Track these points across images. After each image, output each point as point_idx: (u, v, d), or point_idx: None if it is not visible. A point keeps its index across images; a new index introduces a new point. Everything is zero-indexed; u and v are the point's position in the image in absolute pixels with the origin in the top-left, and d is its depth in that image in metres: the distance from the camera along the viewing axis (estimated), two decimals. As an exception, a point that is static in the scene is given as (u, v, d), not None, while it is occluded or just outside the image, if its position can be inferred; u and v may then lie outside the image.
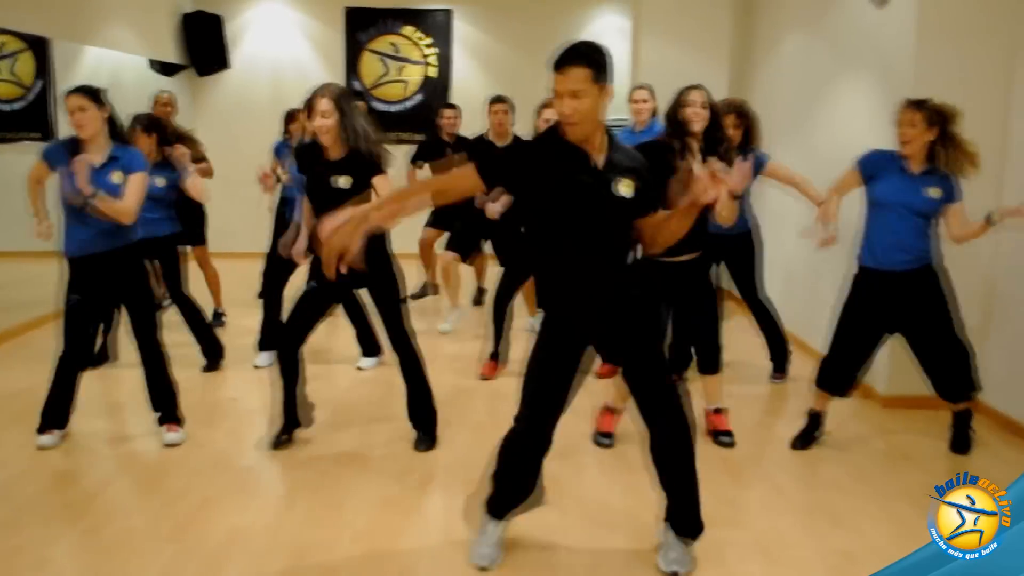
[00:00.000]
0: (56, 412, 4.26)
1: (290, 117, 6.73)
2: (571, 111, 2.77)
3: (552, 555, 3.28)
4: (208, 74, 9.93)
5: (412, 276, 6.28)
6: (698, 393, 4.41)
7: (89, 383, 5.12)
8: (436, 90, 10.11)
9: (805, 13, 6.48)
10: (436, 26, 10.09)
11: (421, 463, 4.13)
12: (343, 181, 4.01)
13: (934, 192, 4.04)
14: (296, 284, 4.59)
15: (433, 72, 10.15)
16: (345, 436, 4.46)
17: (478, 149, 6.28)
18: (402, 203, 2.93)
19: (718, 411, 4.44)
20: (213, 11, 9.78)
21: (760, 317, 5.45)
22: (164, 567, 3.13)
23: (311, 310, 4.17)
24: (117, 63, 8.72)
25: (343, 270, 2.84)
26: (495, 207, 5.39)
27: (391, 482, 3.90)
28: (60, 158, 4.09)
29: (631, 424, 4.29)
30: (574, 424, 3.97)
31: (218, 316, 6.73)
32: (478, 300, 7.66)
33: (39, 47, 7.81)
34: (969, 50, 4.80)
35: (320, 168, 4.07)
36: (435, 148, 7.11)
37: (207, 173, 6.73)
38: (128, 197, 4.08)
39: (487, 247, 6.66)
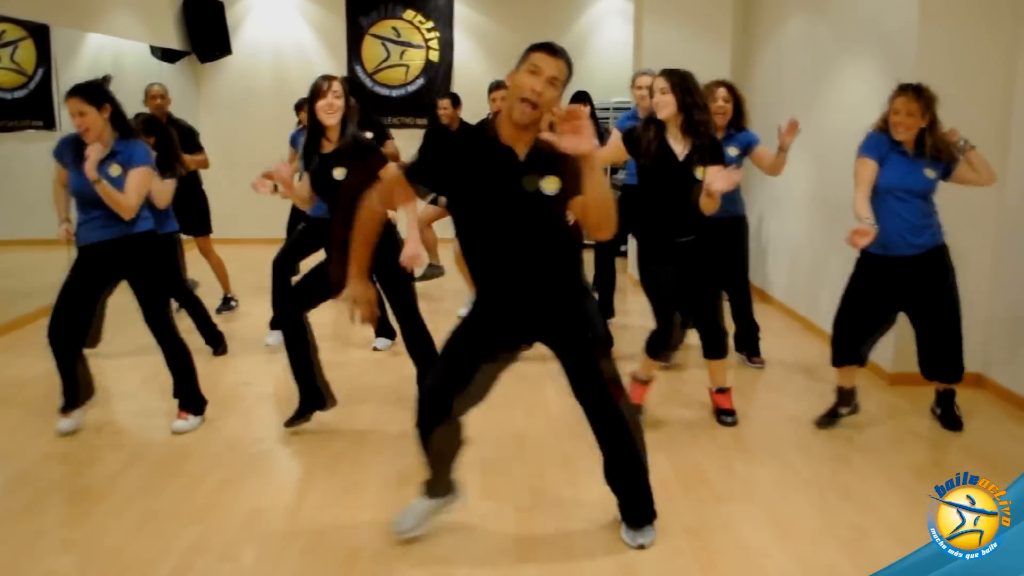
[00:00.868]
0: (66, 392, 4.30)
1: (301, 106, 6.73)
2: (543, 90, 2.76)
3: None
4: (210, 60, 9.93)
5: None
6: (699, 376, 4.47)
7: (107, 368, 5.20)
8: (438, 74, 10.12)
9: (808, -7, 6.50)
10: (437, 10, 10.09)
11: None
12: (339, 173, 4.10)
13: (930, 172, 4.08)
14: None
15: (435, 56, 10.16)
16: (361, 417, 4.51)
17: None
18: (364, 248, 3.01)
19: (721, 390, 4.48)
20: (214, -3, 9.77)
21: (740, 303, 5.41)
22: (186, 549, 3.18)
23: (321, 284, 4.20)
24: (118, 50, 8.72)
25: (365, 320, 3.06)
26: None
27: (409, 462, 3.94)
28: (66, 155, 4.16)
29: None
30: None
31: (227, 301, 6.78)
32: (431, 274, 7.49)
33: (40, 35, 7.80)
34: (971, 33, 4.82)
35: (320, 159, 4.15)
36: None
37: (203, 164, 6.76)
38: (128, 192, 4.09)
39: None
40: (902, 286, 4.16)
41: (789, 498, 3.62)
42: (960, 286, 4.22)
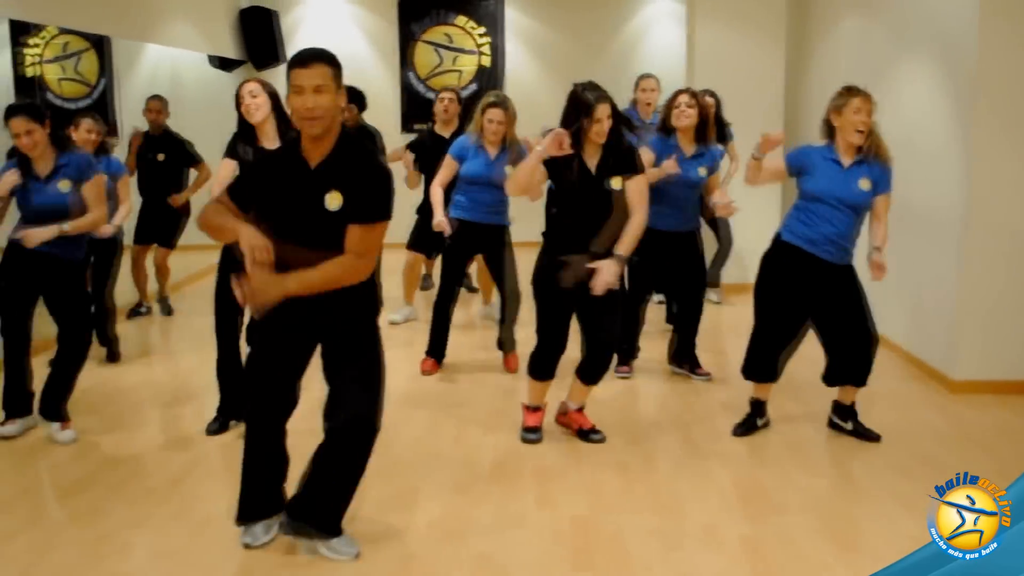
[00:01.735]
0: (10, 398, 4.38)
1: None
2: (314, 105, 2.77)
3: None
4: (265, 68, 10.06)
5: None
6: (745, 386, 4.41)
7: (171, 370, 5.30)
8: (490, 79, 10.15)
9: (863, -6, 6.40)
10: (488, 15, 10.13)
11: (491, 450, 4.18)
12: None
13: (864, 184, 4.00)
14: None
15: (487, 62, 10.20)
16: (414, 424, 4.53)
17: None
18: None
19: (580, 409, 4.34)
20: (269, 6, 9.90)
21: (690, 315, 5.25)
22: (246, 553, 3.22)
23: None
24: (176, 59, 8.90)
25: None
26: (442, 221, 5.20)
27: (461, 469, 3.97)
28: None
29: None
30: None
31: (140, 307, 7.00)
32: (424, 286, 7.46)
33: (101, 46, 7.99)
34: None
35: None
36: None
37: (205, 179, 6.85)
38: (92, 207, 4.24)
39: None
40: (817, 288, 4.09)
41: (849, 509, 3.57)
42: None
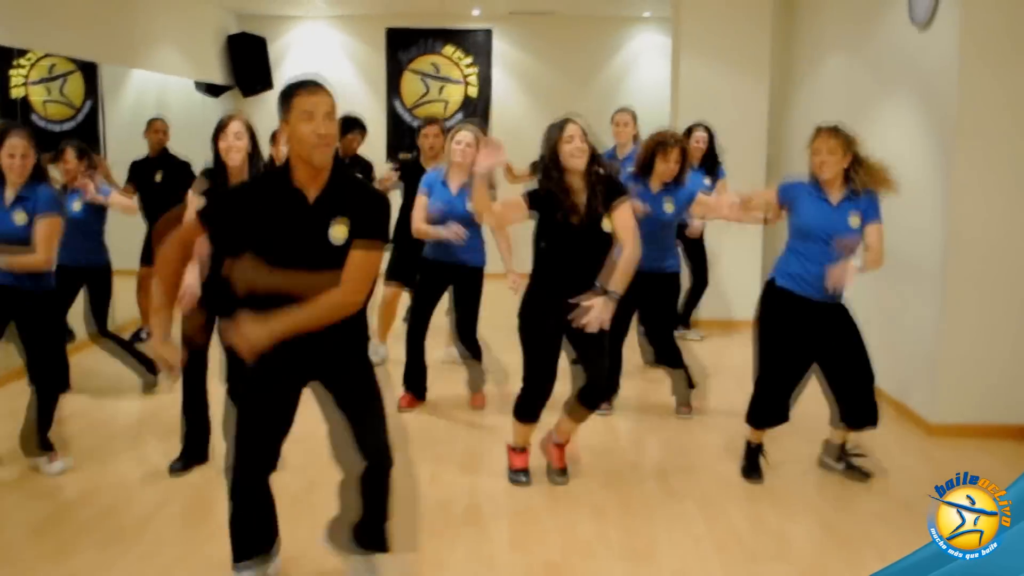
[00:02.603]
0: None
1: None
2: (326, 131, 2.72)
3: None
4: (252, 94, 10.07)
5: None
6: (726, 424, 4.39)
7: (137, 409, 5.24)
8: (476, 109, 10.18)
9: (846, 34, 6.46)
10: (476, 46, 10.17)
11: (466, 492, 4.15)
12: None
13: (854, 220, 3.99)
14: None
15: (473, 92, 10.23)
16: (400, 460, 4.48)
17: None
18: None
19: (560, 444, 4.30)
20: (257, 33, 9.93)
21: (670, 357, 5.20)
22: (215, 597, 3.18)
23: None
24: (163, 83, 8.89)
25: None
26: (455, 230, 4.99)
27: (436, 510, 3.93)
28: None
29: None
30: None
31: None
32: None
33: (88, 68, 7.97)
34: (1013, 74, 4.76)
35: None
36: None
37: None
38: (38, 247, 4.11)
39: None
40: (815, 330, 4.08)
41: (824, 558, 3.55)
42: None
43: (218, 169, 4.07)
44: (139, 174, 6.96)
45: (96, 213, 5.44)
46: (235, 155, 4.00)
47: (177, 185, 6.85)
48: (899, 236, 5.21)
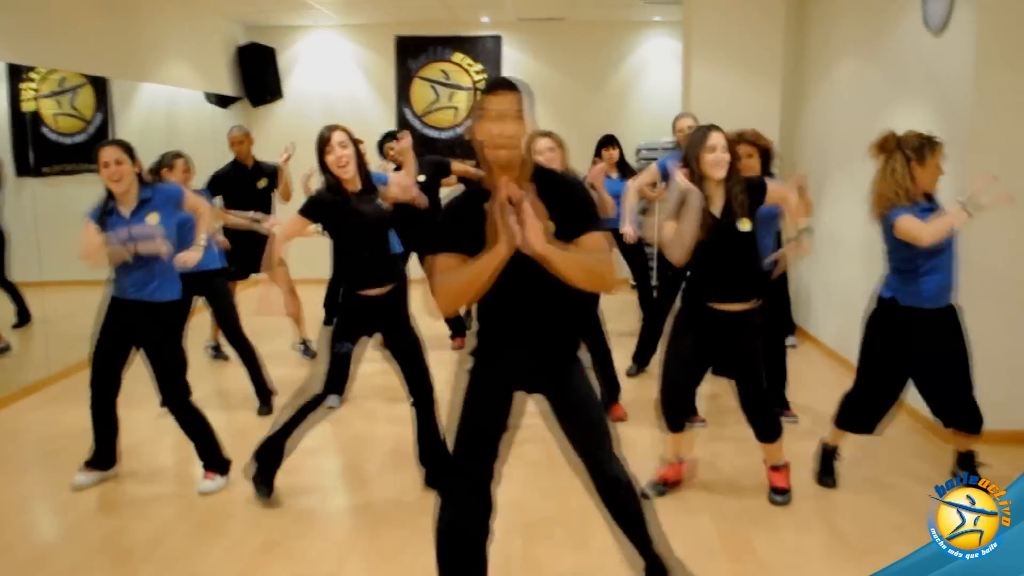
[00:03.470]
0: (101, 451, 4.37)
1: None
2: (513, 132, 2.66)
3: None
4: (261, 104, 10.09)
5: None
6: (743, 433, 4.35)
7: (152, 421, 5.24)
8: (486, 116, 10.16)
9: (859, 38, 6.41)
10: (486, 52, 10.16)
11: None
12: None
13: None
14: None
15: (483, 98, 10.20)
16: (403, 478, 4.47)
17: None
18: None
19: (776, 468, 4.25)
20: (266, 43, 9.94)
21: (773, 355, 5.17)
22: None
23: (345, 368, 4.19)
24: (173, 95, 8.91)
25: None
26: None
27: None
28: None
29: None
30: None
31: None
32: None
33: (98, 81, 7.99)
34: (1028, 79, 4.70)
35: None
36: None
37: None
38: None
39: None
40: (925, 338, 4.03)
41: (839, 573, 3.50)
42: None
43: (333, 182, 4.07)
44: (234, 183, 6.93)
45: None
46: (348, 167, 4.03)
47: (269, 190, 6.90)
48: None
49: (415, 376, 4.25)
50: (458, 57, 10.19)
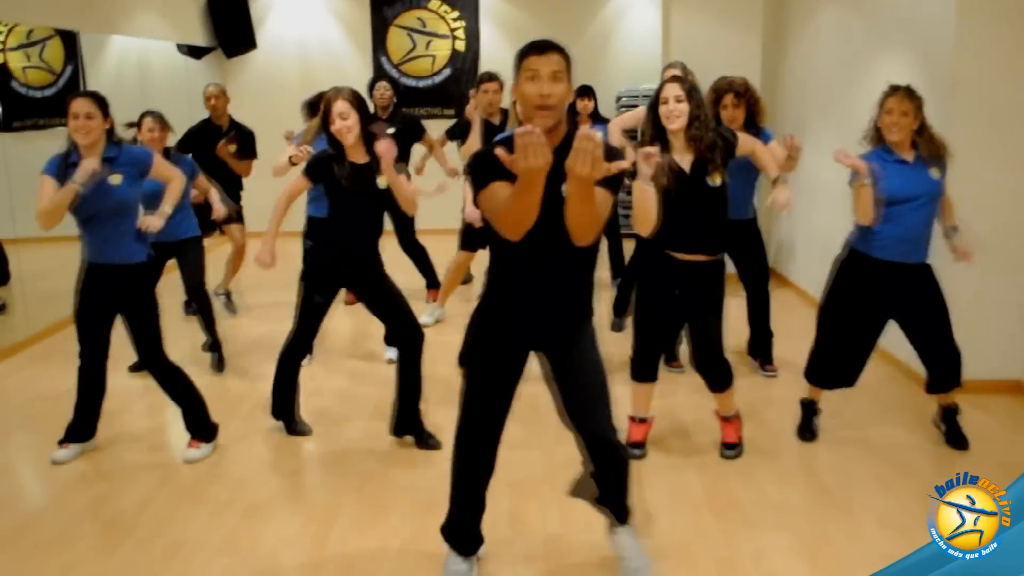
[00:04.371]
0: (82, 422, 4.29)
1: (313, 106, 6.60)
2: (551, 91, 2.65)
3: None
4: (236, 55, 9.90)
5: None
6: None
7: (135, 387, 5.21)
8: (464, 64, 10.03)
9: (841, -15, 6.33)
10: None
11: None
12: (383, 181, 4.12)
13: (935, 173, 3.97)
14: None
15: (461, 46, 10.07)
16: (386, 439, 4.45)
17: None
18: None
19: (727, 419, 4.28)
20: (238, -9, 9.73)
21: (759, 308, 5.30)
22: (217, 583, 3.18)
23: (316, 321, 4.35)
24: (145, 46, 8.74)
25: None
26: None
27: (436, 484, 3.91)
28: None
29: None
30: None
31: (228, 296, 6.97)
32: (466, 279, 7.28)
33: (67, 33, 7.81)
34: (1010, 28, 4.66)
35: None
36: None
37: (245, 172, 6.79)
38: (169, 172, 4.30)
39: None
40: (896, 292, 4.05)
41: (823, 524, 3.55)
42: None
43: (335, 149, 4.10)
44: (203, 140, 6.80)
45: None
46: (348, 136, 4.03)
47: (245, 152, 6.84)
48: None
49: (401, 321, 4.29)
50: (435, 4, 10.01)
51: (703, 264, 3.93)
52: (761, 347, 5.35)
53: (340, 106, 4.01)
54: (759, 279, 5.28)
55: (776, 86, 7.68)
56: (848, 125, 6.08)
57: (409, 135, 6.71)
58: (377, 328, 6.20)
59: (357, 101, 4.07)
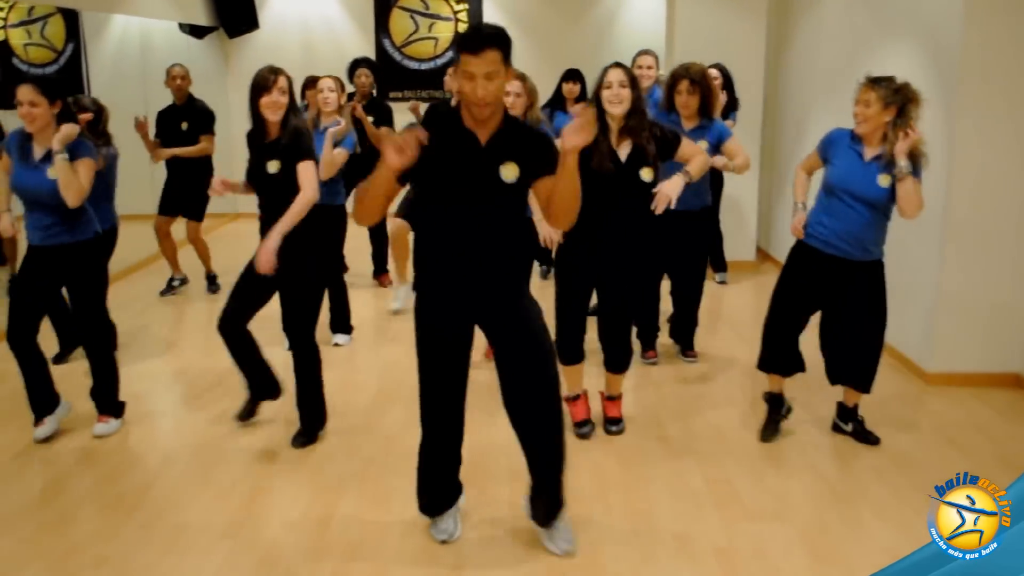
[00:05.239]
0: (38, 396, 4.28)
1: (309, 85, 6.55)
2: (484, 92, 2.77)
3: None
4: (238, 35, 9.86)
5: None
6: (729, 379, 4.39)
7: (137, 370, 5.21)
8: (467, 47, 9.98)
9: (847, -28, 6.30)
10: (466, -19, 9.94)
11: (464, 450, 4.14)
12: (272, 166, 4.03)
13: (883, 180, 3.86)
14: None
15: (463, 28, 10.01)
16: (390, 423, 4.49)
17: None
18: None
19: (611, 398, 4.36)
20: (241, -30, 9.68)
21: (687, 294, 5.32)
22: (220, 565, 3.20)
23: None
24: (147, 25, 8.70)
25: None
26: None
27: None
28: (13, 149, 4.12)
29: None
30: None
31: (212, 280, 6.99)
32: None
33: (69, 11, 7.78)
34: (1020, 17, 4.64)
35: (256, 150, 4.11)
36: None
37: (202, 151, 6.79)
38: (81, 182, 4.03)
39: None
40: (833, 284, 4.02)
41: (822, 516, 3.57)
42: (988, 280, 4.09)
43: (257, 123, 4.11)
44: (165, 123, 6.83)
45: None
46: (278, 112, 4.05)
47: (202, 132, 6.74)
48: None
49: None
50: (438, -14, 9.97)
51: (620, 247, 4.01)
52: (683, 333, 5.40)
53: (328, 81, 4.25)
54: (691, 269, 5.26)
55: (779, 73, 7.67)
56: (851, 115, 6.07)
57: (383, 123, 6.71)
58: (377, 314, 6.21)
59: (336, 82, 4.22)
